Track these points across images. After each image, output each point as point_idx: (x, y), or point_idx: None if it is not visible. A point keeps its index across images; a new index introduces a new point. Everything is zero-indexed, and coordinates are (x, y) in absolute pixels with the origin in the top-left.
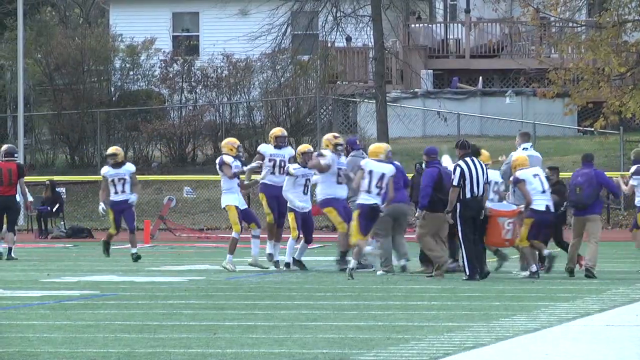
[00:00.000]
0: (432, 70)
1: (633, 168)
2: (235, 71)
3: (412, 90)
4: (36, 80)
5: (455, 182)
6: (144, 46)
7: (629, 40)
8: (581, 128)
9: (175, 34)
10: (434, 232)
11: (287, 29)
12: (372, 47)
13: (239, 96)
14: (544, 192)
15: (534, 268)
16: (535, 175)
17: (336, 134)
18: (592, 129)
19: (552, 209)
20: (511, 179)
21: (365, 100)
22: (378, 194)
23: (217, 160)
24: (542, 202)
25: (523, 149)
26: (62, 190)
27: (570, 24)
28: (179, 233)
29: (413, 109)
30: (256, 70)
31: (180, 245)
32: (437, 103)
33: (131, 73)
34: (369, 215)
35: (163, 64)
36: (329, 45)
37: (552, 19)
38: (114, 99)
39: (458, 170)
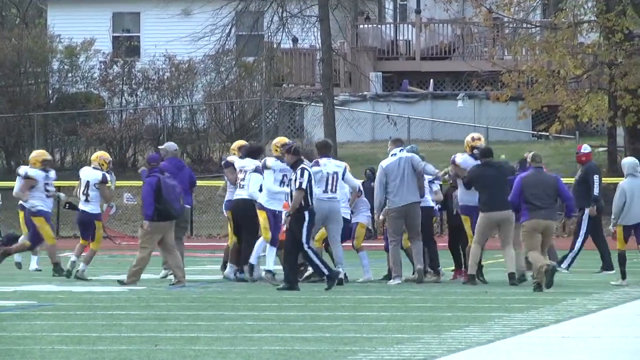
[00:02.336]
0: (381, 73)
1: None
2: (177, 73)
3: (360, 94)
4: None
5: (303, 186)
6: (83, 47)
7: (584, 41)
8: (536, 132)
9: (115, 34)
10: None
11: (231, 29)
12: (319, 49)
13: (181, 99)
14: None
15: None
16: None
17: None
18: (547, 134)
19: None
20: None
21: (313, 104)
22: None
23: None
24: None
25: (392, 154)
26: None
27: (524, 25)
28: (119, 241)
29: (362, 113)
30: (199, 73)
31: (120, 253)
32: (387, 106)
33: (70, 75)
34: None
35: (103, 66)
36: (275, 46)
37: (506, 19)
38: (51, 101)
39: (306, 174)
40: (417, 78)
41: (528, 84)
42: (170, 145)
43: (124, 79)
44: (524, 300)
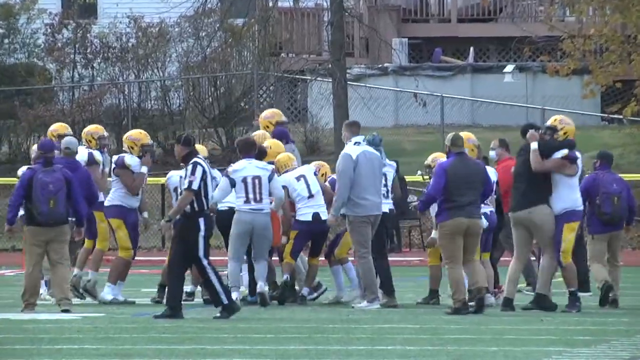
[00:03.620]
0: (407, 39)
1: None
2: (145, 40)
3: (380, 66)
4: None
5: (194, 187)
6: (24, 6)
7: None
8: (606, 115)
9: None
10: None
11: None
12: (327, 8)
13: (150, 73)
14: (311, 196)
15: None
16: (299, 178)
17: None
18: (621, 117)
19: (323, 216)
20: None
21: (319, 79)
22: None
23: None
24: (307, 210)
25: (355, 143)
26: None
27: None
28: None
29: (382, 90)
30: (174, 39)
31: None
32: (414, 82)
33: (6, 41)
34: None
35: (49, 30)
36: (271, 5)
37: None
38: None
39: (199, 170)
40: (453, 45)
41: (596, 53)
42: (73, 141)
43: (77, 46)
44: (591, 331)
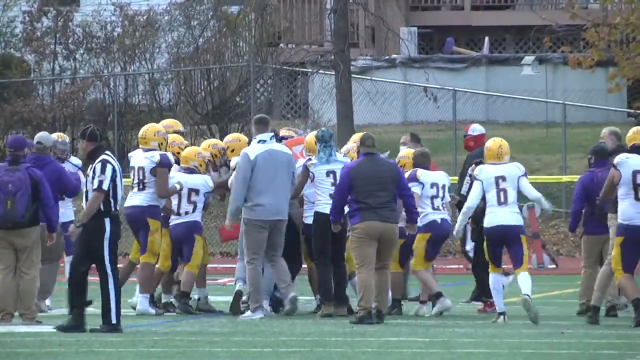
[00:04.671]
0: (416, 28)
1: None
2: (132, 29)
3: (387, 57)
4: None
5: (104, 187)
6: None
7: None
8: (632, 111)
9: None
10: None
11: None
12: None
13: (138, 65)
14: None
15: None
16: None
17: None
18: None
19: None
20: None
21: (321, 71)
22: None
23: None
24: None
25: (259, 141)
26: None
27: None
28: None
29: (389, 84)
30: (163, 28)
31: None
32: (424, 75)
33: None
34: None
35: (27, 18)
36: None
37: None
38: None
39: (109, 169)
40: (467, 35)
41: (622, 44)
42: (45, 136)
43: (57, 36)
44: (616, 345)
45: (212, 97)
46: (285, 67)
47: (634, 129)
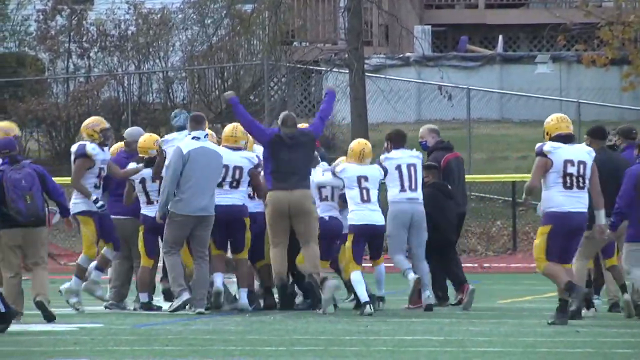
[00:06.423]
0: (430, 27)
1: None
2: (146, 27)
3: (401, 55)
4: None
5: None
6: None
7: None
8: None
9: None
10: None
11: None
12: None
13: (152, 63)
14: None
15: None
16: None
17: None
18: None
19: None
20: None
21: (335, 70)
22: None
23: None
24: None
25: (193, 138)
26: None
27: None
28: (64, 261)
29: (403, 82)
30: (177, 26)
31: (66, 278)
32: (438, 73)
33: None
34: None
35: (42, 17)
36: None
37: None
38: None
39: None
40: (481, 33)
41: (636, 42)
42: (137, 131)
43: (72, 34)
44: (631, 343)
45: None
46: (299, 66)
47: (557, 116)
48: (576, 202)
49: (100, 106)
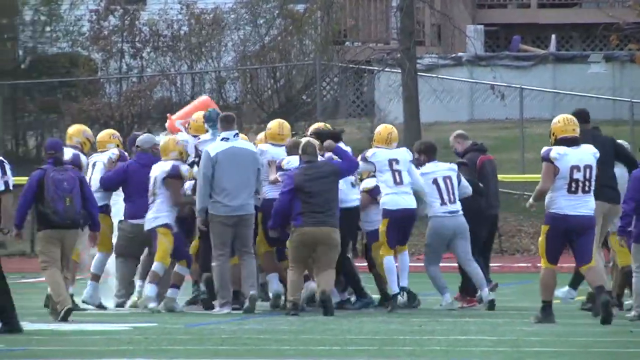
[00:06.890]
0: (483, 26)
1: None
2: (199, 27)
3: (454, 55)
4: None
5: None
6: None
7: None
8: None
9: None
10: None
11: None
12: None
13: (204, 63)
14: None
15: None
16: None
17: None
18: None
19: None
20: None
21: (387, 69)
22: None
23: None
24: None
25: (222, 139)
26: None
27: None
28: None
29: (456, 82)
30: (229, 26)
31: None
32: (491, 73)
33: (48, 29)
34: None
35: (94, 17)
36: None
37: None
38: (22, 66)
39: None
40: (533, 33)
41: None
42: (149, 138)
43: (124, 35)
44: None
45: (279, 95)
46: (351, 65)
47: (564, 118)
48: (579, 206)
49: (153, 106)
